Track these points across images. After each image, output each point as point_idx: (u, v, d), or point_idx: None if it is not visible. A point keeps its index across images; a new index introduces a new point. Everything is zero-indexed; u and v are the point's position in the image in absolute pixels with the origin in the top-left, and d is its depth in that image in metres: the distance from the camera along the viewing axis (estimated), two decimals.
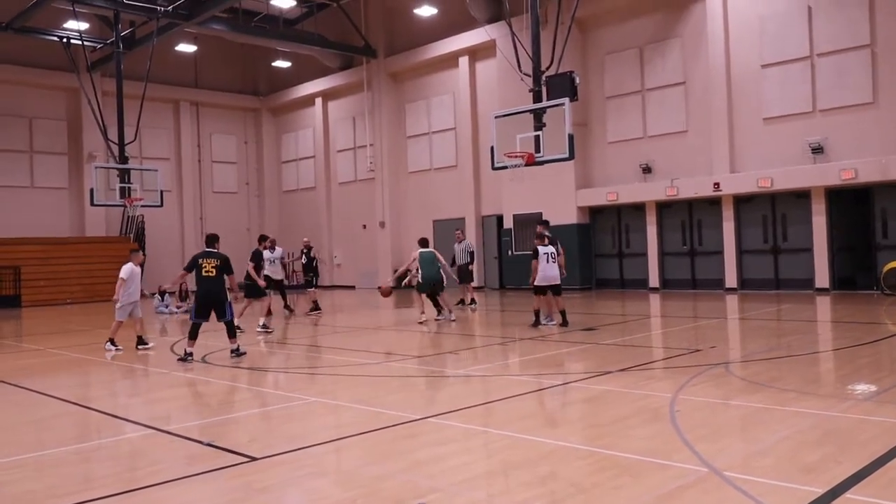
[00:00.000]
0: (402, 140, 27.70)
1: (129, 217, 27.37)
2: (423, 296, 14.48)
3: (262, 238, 15.52)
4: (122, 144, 21.28)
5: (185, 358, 10.01)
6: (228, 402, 7.87)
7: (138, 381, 9.52)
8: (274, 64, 30.96)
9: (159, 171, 22.75)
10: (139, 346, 11.53)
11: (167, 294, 19.77)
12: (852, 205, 18.15)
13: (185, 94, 30.92)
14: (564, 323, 12.37)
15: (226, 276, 10.23)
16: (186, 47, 28.75)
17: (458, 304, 17.01)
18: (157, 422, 6.52)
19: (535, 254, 12.42)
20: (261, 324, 13.78)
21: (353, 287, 29.04)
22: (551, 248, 12.50)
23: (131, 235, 27.93)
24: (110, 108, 23.19)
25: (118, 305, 11.49)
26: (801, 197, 18.23)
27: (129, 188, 21.09)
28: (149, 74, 22.06)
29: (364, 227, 28.92)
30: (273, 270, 15.57)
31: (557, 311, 12.72)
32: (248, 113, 33.36)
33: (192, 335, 10.20)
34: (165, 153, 30.46)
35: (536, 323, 12.58)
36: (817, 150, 17.59)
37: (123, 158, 21.39)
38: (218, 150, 32.36)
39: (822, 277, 17.81)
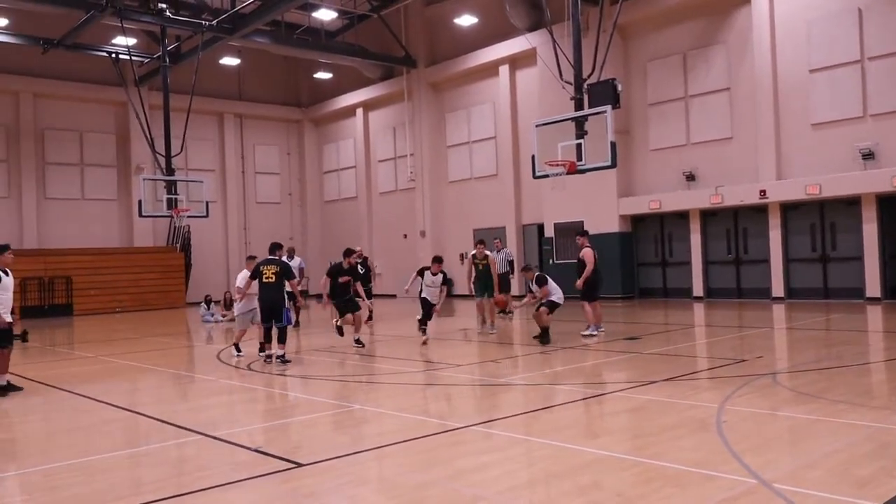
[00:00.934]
0: (442, 149, 27.82)
1: (175, 227, 28.00)
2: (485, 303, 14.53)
3: (348, 252, 12.85)
4: (168, 156, 21.79)
5: (268, 358, 10.78)
6: (274, 409, 7.99)
7: (186, 388, 9.72)
8: (315, 75, 31.42)
9: (205, 182, 23.20)
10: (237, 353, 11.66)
11: (213, 303, 20.15)
12: None
13: (229, 106, 31.55)
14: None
15: (286, 282, 10.81)
16: (230, 60, 29.37)
17: (499, 312, 16.95)
18: (204, 427, 6.64)
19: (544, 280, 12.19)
20: (355, 338, 12.35)
21: (394, 296, 29.19)
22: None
23: (178, 245, 28.55)
24: (157, 121, 23.80)
25: (236, 314, 12.11)
26: (851, 204, 17.76)
27: (175, 199, 21.55)
28: (194, 88, 22.57)
29: (405, 236, 29.07)
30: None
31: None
32: (291, 124, 33.88)
33: (266, 338, 10.89)
34: (210, 164, 31.08)
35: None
36: (868, 155, 17.13)
37: (170, 170, 21.88)
38: (261, 161, 32.92)
39: (873, 286, 17.30)
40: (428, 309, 12.65)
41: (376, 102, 30.31)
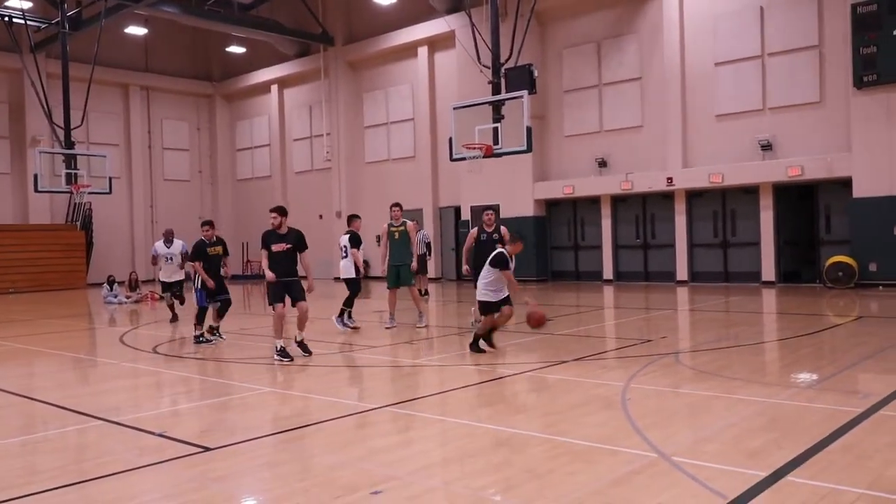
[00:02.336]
0: (359, 130, 27.52)
1: (75, 204, 26.63)
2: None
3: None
4: (67, 129, 20.66)
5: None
6: (181, 393, 7.75)
7: (87, 372, 9.30)
8: (228, 49, 30.35)
9: (108, 156, 22.17)
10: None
11: (116, 283, 19.35)
12: (798, 201, 18.69)
13: (134, 78, 30.12)
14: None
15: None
16: (136, 30, 27.97)
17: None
18: (106, 413, 6.38)
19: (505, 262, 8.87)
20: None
21: (305, 278, 28.81)
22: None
23: (78, 223, 27.17)
24: (55, 90, 22.42)
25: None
26: (750, 192, 18.71)
27: (75, 174, 20.50)
28: (96, 57, 21.44)
29: (320, 217, 28.66)
30: (169, 271, 13.61)
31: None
32: (201, 99, 32.70)
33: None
34: (114, 139, 29.65)
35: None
36: (766, 147, 18.06)
37: (69, 143, 20.77)
38: (169, 136, 31.66)
39: (769, 271, 18.34)
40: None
41: (292, 80, 29.63)
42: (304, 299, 9.07)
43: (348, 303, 11.88)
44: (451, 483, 4.40)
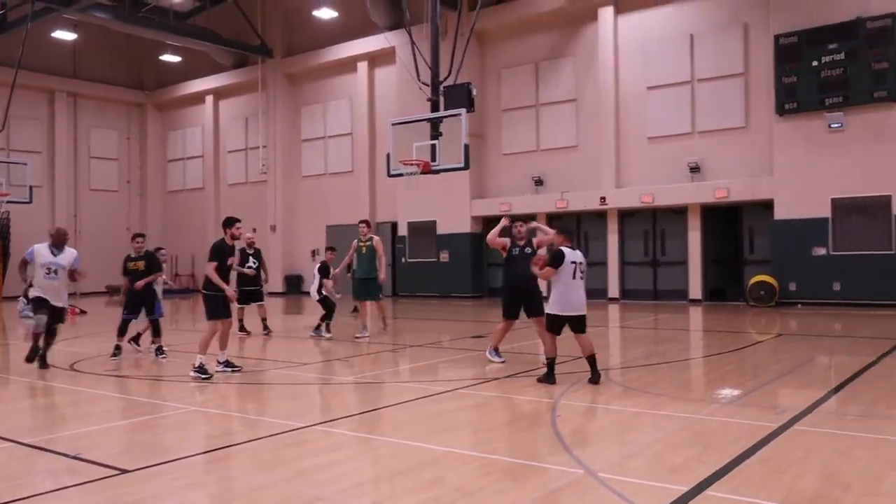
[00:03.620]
0: (296, 143, 27.22)
1: None
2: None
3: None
4: None
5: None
6: (98, 413, 7.43)
7: None
8: (162, 58, 29.63)
9: (29, 164, 21.31)
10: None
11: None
12: (724, 222, 19.38)
13: (61, 84, 29.07)
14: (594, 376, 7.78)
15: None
16: (65, 34, 27.04)
17: (353, 311, 16.79)
18: (17, 434, 6.05)
19: (559, 259, 7.61)
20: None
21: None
22: (580, 257, 7.82)
23: None
24: None
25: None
26: (679, 213, 19.29)
27: None
28: (21, 61, 20.62)
29: (254, 230, 28.06)
30: (49, 287, 9.46)
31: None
32: (132, 107, 31.80)
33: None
34: (37, 146, 28.51)
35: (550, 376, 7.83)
36: (695, 169, 18.67)
37: None
38: (97, 145, 30.63)
39: (696, 289, 18.91)
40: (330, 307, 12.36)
41: (228, 91, 29.15)
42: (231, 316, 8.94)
43: (326, 317, 12.43)
44: (381, 502, 4.33)
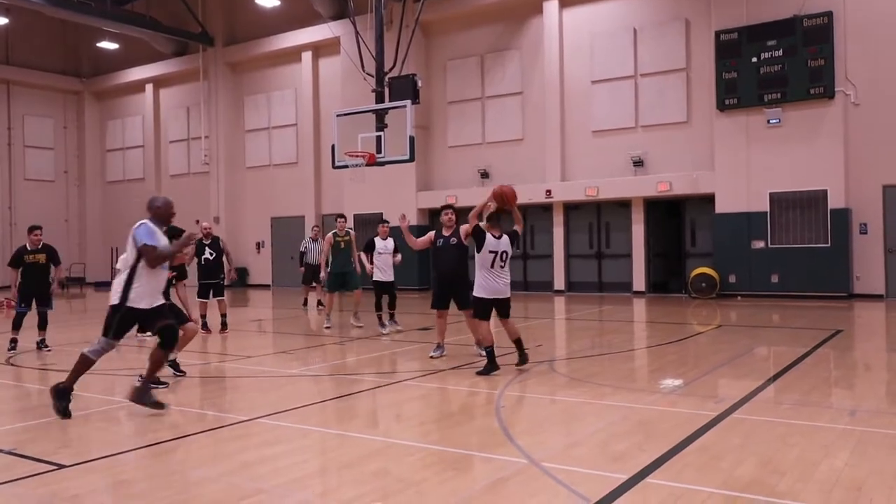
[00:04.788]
0: (240, 133, 26.73)
1: None
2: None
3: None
4: None
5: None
6: (34, 407, 7.18)
7: None
8: (99, 45, 28.63)
9: None
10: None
11: None
12: (667, 215, 19.82)
13: None
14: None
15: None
16: None
17: (318, 304, 16.57)
18: None
19: (479, 237, 7.98)
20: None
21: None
22: (505, 246, 8.06)
23: None
24: None
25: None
26: (623, 206, 19.65)
27: None
28: None
29: (197, 222, 27.46)
30: None
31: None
32: (69, 95, 30.70)
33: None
34: None
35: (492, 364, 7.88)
36: (638, 163, 19.04)
37: None
38: (32, 133, 29.49)
39: (640, 281, 19.30)
40: (390, 290, 11.68)
41: (169, 79, 28.40)
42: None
43: (389, 306, 12.04)
44: (325, 494, 4.32)
